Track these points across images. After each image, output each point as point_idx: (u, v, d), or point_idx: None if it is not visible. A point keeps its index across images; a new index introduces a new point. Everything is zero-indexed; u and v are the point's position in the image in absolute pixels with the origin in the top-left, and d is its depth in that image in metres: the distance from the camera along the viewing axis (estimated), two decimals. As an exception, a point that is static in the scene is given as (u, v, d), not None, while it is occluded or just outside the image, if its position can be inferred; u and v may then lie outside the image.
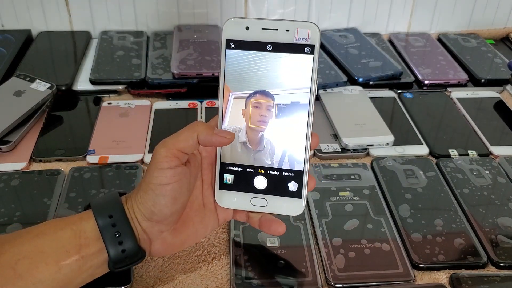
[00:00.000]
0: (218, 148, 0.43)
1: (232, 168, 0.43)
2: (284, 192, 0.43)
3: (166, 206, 0.40)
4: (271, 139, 0.43)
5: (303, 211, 0.54)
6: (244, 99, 0.43)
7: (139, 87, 0.74)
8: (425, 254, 0.49)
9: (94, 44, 0.84)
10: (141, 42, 0.84)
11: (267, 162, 0.43)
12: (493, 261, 0.49)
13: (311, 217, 0.53)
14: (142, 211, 0.40)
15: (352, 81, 0.76)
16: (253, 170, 0.43)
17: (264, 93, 0.42)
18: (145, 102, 0.72)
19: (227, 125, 0.43)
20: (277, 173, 0.43)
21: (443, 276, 0.47)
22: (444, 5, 0.91)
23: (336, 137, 0.65)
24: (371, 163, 0.61)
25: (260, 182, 0.43)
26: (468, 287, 0.45)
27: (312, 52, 0.41)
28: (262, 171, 0.43)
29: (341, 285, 0.46)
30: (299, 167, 0.42)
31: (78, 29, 0.87)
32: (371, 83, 0.76)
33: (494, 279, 0.46)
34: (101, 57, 0.79)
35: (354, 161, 0.62)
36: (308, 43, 0.40)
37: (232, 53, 0.42)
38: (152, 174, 0.39)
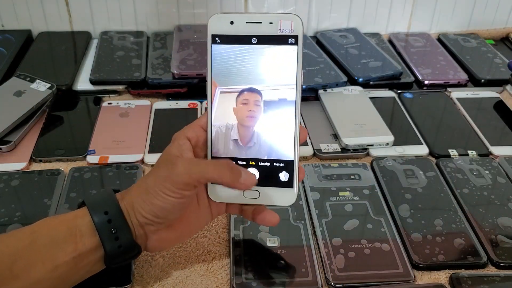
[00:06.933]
0: (209, 145, 0.44)
1: None
2: (276, 182, 0.43)
3: (172, 213, 0.41)
4: (261, 133, 0.43)
5: (303, 212, 0.54)
6: (232, 94, 0.43)
7: (139, 87, 0.74)
8: (425, 254, 0.49)
9: (94, 44, 0.84)
10: (141, 42, 0.84)
11: (259, 157, 0.43)
12: (493, 261, 0.49)
13: (311, 217, 0.53)
14: (145, 211, 0.40)
15: (352, 81, 0.76)
16: (244, 163, 0.43)
17: (251, 90, 0.42)
18: (145, 102, 0.72)
19: (217, 122, 0.43)
20: (268, 164, 0.43)
21: (443, 276, 0.47)
22: (444, 5, 0.91)
23: (336, 137, 0.65)
24: (371, 163, 0.61)
25: None
26: (468, 287, 0.45)
27: (296, 43, 0.41)
28: (253, 163, 0.43)
29: (341, 285, 0.46)
30: (289, 157, 0.43)
31: (78, 29, 0.87)
32: (371, 83, 0.76)
33: (494, 279, 0.46)
34: (101, 57, 0.79)
35: (354, 161, 0.62)
36: (292, 34, 0.41)
37: (218, 48, 0.42)
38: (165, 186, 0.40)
